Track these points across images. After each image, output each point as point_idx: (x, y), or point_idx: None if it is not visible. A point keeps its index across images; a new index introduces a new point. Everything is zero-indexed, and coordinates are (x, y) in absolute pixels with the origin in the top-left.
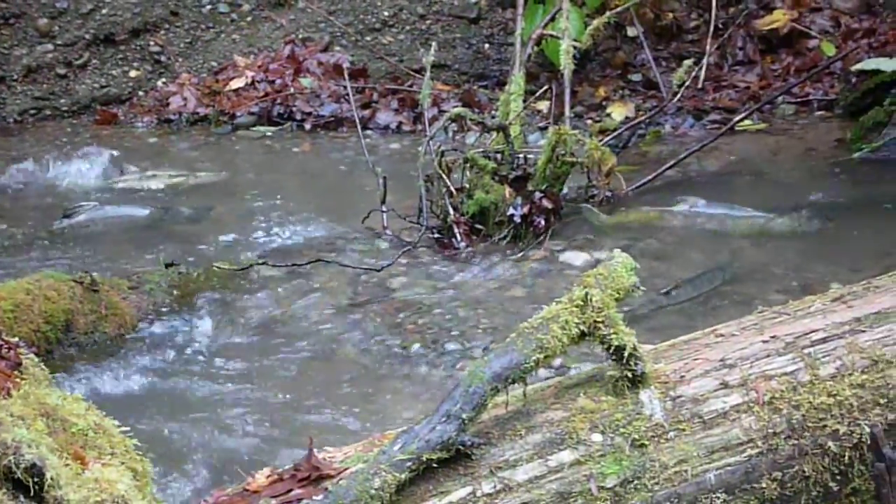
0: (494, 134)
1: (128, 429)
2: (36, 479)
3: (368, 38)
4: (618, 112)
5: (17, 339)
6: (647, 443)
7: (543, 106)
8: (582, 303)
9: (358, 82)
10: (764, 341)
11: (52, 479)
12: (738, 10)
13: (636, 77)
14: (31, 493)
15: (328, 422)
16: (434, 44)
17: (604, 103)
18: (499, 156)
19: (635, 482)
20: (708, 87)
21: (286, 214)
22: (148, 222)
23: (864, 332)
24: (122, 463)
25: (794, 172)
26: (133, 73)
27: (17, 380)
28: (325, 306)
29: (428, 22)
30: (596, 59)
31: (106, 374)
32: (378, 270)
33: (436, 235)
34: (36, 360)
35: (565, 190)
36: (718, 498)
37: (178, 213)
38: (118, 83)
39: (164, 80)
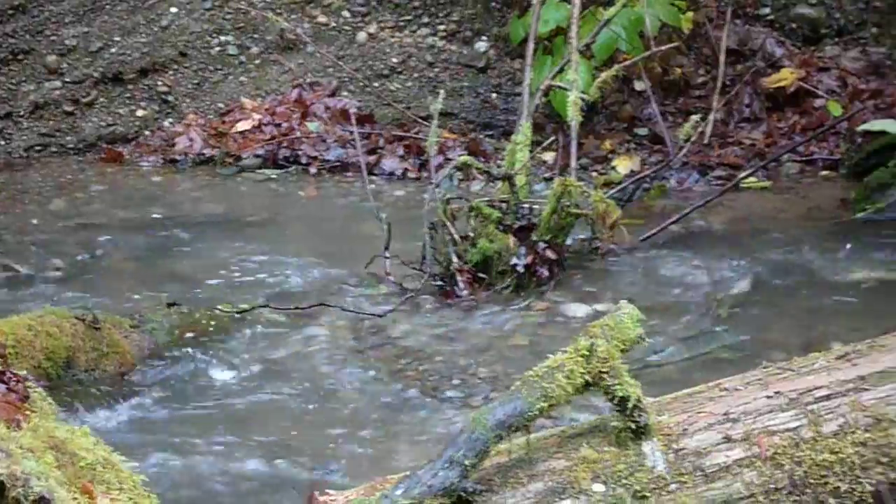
0: (500, 183)
1: (136, 464)
2: None
3: (376, 84)
4: (623, 165)
5: (24, 372)
6: (648, 494)
7: (549, 157)
8: (587, 353)
9: (364, 128)
10: (768, 396)
11: None
12: (746, 68)
13: (642, 131)
14: None
15: (327, 465)
16: (442, 92)
17: (609, 156)
18: (504, 205)
19: None
20: (714, 143)
21: (289, 257)
22: (151, 259)
23: (867, 390)
24: (130, 498)
25: (797, 232)
26: (140, 113)
27: (27, 412)
28: (326, 351)
29: (436, 70)
30: (603, 112)
31: (106, 412)
32: (380, 316)
33: (438, 283)
34: (44, 393)
35: (569, 241)
36: None
37: (181, 250)
38: (125, 122)
39: (170, 120)
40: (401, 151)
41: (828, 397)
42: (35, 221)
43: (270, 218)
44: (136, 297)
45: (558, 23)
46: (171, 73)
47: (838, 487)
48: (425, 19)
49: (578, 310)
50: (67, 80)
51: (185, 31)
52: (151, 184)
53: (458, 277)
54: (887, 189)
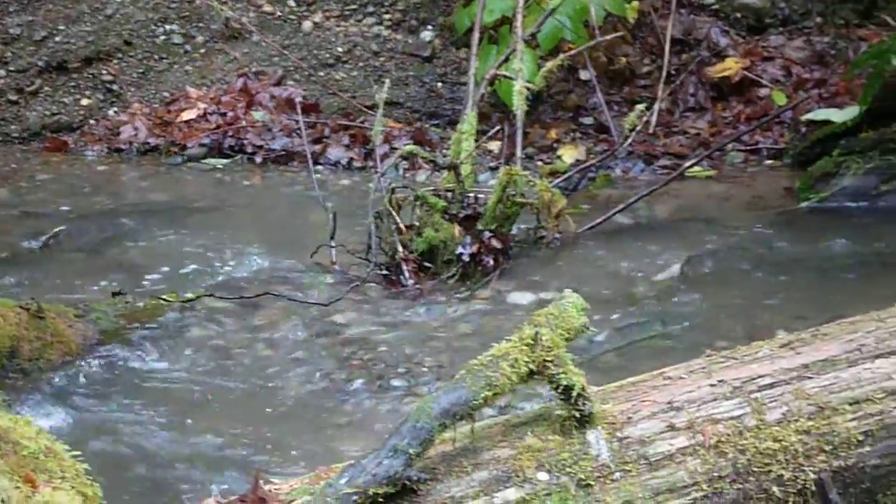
0: (445, 172)
1: (78, 453)
2: None
3: (322, 74)
4: (569, 154)
5: None
6: (592, 483)
7: (495, 146)
8: (532, 342)
9: (310, 117)
10: (711, 385)
11: (2, 501)
12: (691, 57)
13: (588, 120)
14: None
15: (273, 454)
16: (387, 81)
17: (555, 145)
18: (449, 194)
19: None
20: (659, 132)
21: (235, 247)
22: (96, 248)
23: (811, 378)
24: (73, 487)
25: (742, 221)
26: (85, 102)
27: None
28: (271, 339)
29: (381, 59)
30: (548, 101)
31: (50, 401)
32: (325, 305)
33: (384, 272)
34: None
35: (514, 230)
36: None
37: (126, 240)
38: (69, 111)
39: (115, 109)
40: (346, 141)
41: (771, 385)
42: None
43: (216, 207)
44: (81, 286)
45: (504, 12)
46: (115, 62)
47: (782, 475)
48: (371, 8)
49: (523, 299)
50: (11, 68)
51: (130, 20)
52: (96, 173)
53: (404, 267)
54: (831, 178)
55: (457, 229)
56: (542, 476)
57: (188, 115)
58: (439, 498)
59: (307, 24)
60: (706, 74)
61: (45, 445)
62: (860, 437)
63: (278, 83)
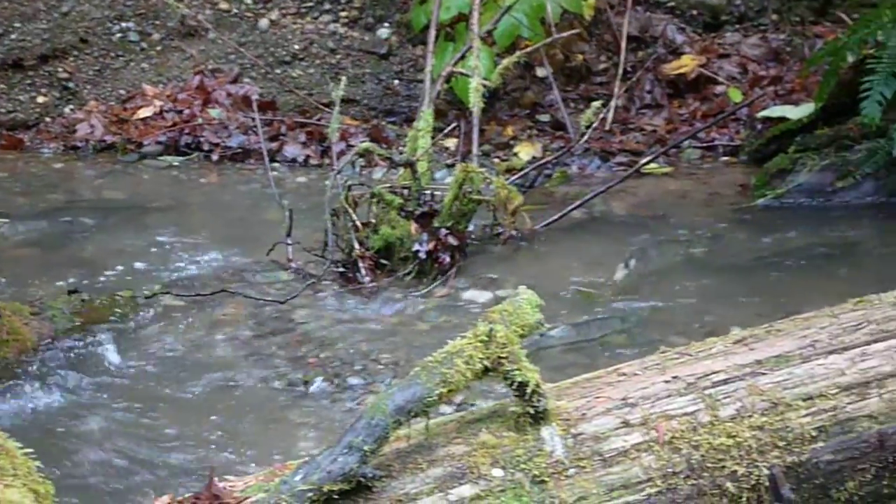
0: (402, 170)
1: (31, 450)
2: None
3: (278, 71)
4: (525, 152)
5: None
6: (547, 479)
7: (451, 143)
8: (486, 338)
9: (266, 114)
10: (666, 381)
11: None
12: (647, 55)
13: (544, 117)
14: None
15: (228, 452)
16: (344, 78)
17: (511, 142)
18: (406, 192)
19: None
20: (615, 129)
21: (191, 245)
22: (52, 245)
23: (764, 374)
24: (25, 484)
25: (699, 217)
26: (41, 99)
27: None
28: (227, 337)
29: (338, 56)
30: (505, 99)
31: (3, 399)
32: (282, 303)
33: (341, 269)
34: None
35: (471, 227)
36: None
37: (83, 237)
38: (25, 109)
39: (71, 106)
40: (303, 138)
41: (725, 381)
42: None
43: (172, 205)
44: (38, 283)
45: (460, 9)
46: (71, 59)
47: (735, 471)
48: (327, 6)
49: (480, 296)
50: None
51: (86, 18)
52: (52, 171)
53: (360, 264)
54: (787, 175)
55: (413, 226)
56: (497, 472)
57: (144, 112)
58: (394, 495)
59: (263, 22)
60: (662, 72)
61: None
62: (813, 433)
63: (235, 81)
